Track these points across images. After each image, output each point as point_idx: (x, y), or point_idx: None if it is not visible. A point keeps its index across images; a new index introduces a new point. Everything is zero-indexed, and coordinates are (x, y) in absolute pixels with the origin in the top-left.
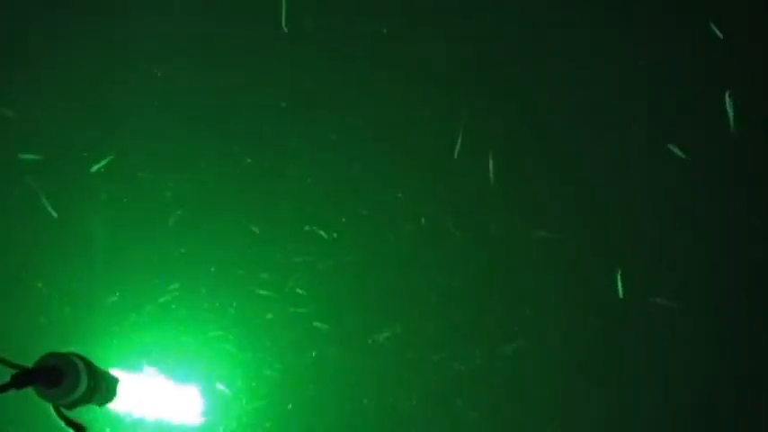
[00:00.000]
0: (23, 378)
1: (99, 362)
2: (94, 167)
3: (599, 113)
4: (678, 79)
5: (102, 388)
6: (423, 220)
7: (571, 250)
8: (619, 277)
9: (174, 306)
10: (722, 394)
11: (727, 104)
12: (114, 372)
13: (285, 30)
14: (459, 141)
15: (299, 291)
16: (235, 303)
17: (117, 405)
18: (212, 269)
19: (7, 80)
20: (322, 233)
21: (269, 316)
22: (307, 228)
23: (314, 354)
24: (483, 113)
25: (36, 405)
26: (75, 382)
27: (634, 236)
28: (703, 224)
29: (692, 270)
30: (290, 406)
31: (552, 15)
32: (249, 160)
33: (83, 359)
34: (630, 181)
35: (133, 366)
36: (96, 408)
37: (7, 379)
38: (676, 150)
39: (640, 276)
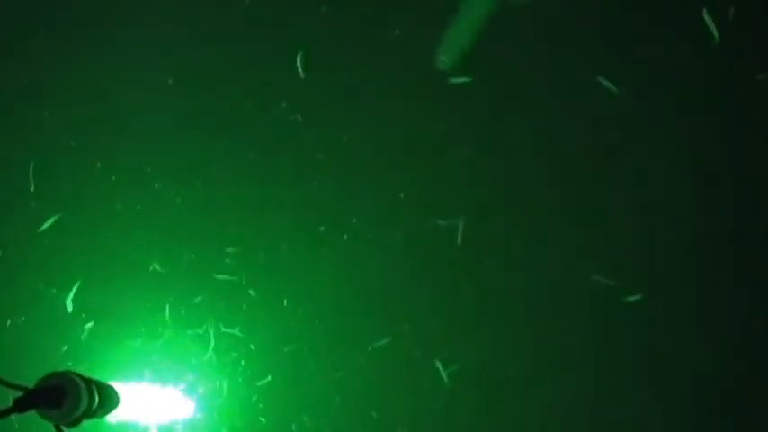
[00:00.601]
0: (25, 401)
1: (101, 372)
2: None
3: (599, 113)
4: (678, 79)
5: (103, 402)
6: (424, 222)
7: (570, 250)
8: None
9: (177, 314)
10: (722, 394)
11: (706, 18)
12: (115, 383)
13: (302, 76)
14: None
15: (300, 294)
16: (243, 309)
17: (116, 415)
18: (215, 275)
19: (9, 82)
20: (331, 234)
21: (270, 326)
22: (322, 229)
23: (315, 358)
24: (483, 114)
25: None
26: (76, 401)
27: (632, 235)
28: (703, 224)
29: (691, 270)
30: (289, 406)
31: (552, 15)
32: (254, 159)
33: (81, 376)
34: (630, 181)
35: (134, 376)
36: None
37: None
38: (606, 83)
39: (638, 276)
